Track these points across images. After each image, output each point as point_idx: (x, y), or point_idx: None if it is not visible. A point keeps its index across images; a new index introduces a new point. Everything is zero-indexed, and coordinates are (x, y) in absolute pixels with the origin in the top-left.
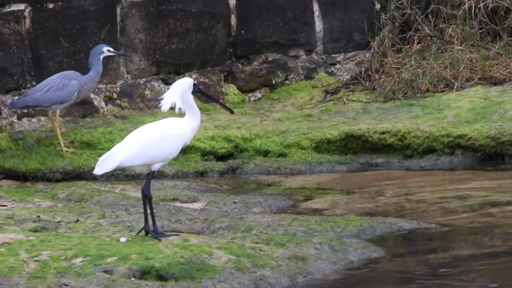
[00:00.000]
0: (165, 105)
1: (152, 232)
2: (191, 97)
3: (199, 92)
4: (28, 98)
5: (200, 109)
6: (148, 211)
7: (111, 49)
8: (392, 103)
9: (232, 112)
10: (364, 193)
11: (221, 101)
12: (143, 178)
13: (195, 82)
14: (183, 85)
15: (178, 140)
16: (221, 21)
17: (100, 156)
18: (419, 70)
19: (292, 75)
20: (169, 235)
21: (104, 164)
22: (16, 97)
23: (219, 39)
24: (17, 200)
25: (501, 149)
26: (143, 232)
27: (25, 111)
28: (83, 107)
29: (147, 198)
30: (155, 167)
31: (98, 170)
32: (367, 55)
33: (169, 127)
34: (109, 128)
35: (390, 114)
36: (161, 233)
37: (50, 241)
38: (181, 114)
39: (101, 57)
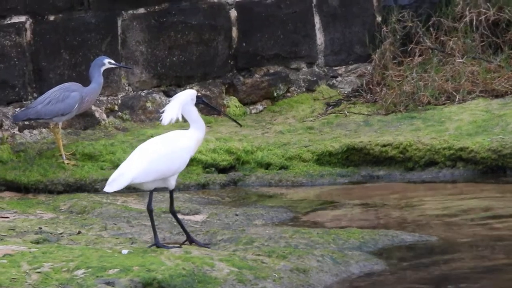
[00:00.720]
0: (165, 118)
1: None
2: (194, 109)
3: (202, 104)
4: (30, 110)
5: None
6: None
7: (112, 61)
8: (394, 115)
9: (240, 125)
10: (366, 205)
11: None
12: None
13: (198, 94)
14: (185, 97)
15: (185, 153)
16: (222, 33)
17: (101, 168)
18: (420, 82)
19: (294, 88)
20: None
21: (115, 183)
22: (17, 109)
23: (220, 52)
24: (19, 212)
25: (503, 162)
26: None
27: (26, 123)
28: (84, 119)
29: (172, 214)
30: (172, 184)
31: (109, 188)
32: (369, 68)
33: (174, 140)
34: (111, 140)
35: (392, 126)
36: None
37: (52, 252)
38: (184, 126)
39: (102, 69)
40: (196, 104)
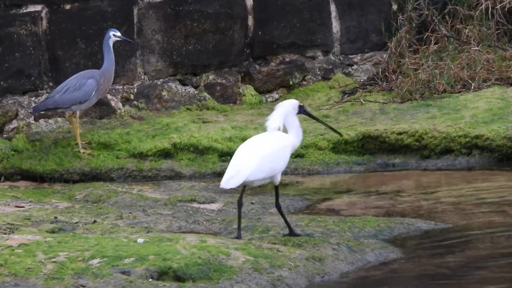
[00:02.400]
0: (270, 126)
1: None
2: (295, 118)
3: (304, 114)
4: (48, 101)
5: (217, 110)
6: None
7: (117, 33)
8: (409, 103)
9: (341, 135)
10: (382, 193)
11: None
12: (160, 179)
13: (300, 103)
14: (288, 107)
15: (289, 153)
16: (238, 22)
17: (117, 157)
18: (436, 70)
19: (309, 76)
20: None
21: (232, 180)
22: (33, 98)
23: (236, 40)
24: (34, 201)
25: None
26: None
27: (42, 112)
28: (100, 108)
29: (278, 208)
30: (278, 179)
31: (226, 185)
32: (384, 56)
33: (280, 140)
34: (126, 129)
35: (407, 114)
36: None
37: (67, 242)
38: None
39: (111, 43)
40: (298, 113)
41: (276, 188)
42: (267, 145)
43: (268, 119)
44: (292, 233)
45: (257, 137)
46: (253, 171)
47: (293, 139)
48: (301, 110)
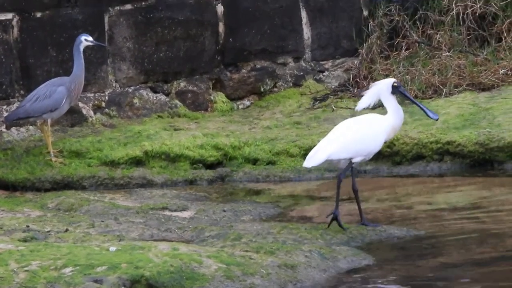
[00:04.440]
0: (361, 103)
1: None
2: (391, 97)
3: (399, 93)
4: (20, 110)
5: (188, 117)
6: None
7: (89, 38)
8: (381, 109)
9: (436, 119)
10: (354, 200)
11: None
12: (132, 187)
13: (394, 83)
14: (382, 86)
15: (381, 135)
16: (209, 28)
17: (89, 165)
18: (407, 76)
19: (281, 83)
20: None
21: (314, 158)
22: (4, 107)
23: (207, 47)
24: (6, 210)
25: (490, 155)
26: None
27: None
28: (71, 116)
29: (354, 191)
30: (357, 161)
31: (308, 163)
32: (356, 62)
33: (372, 122)
34: (98, 137)
35: None
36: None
37: (39, 251)
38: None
39: (81, 48)
40: (394, 93)
41: (352, 168)
42: (358, 127)
43: (362, 95)
44: (363, 222)
45: (352, 119)
46: (336, 150)
47: (390, 120)
48: (396, 90)
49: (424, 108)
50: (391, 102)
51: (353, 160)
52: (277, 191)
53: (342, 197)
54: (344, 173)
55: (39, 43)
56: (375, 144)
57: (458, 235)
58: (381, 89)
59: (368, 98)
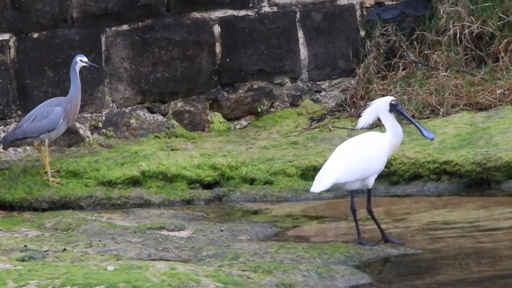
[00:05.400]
0: (360, 122)
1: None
2: (389, 115)
3: (396, 112)
4: (17, 130)
5: (186, 138)
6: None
7: (84, 59)
8: (378, 129)
9: (431, 138)
10: (350, 220)
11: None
12: (129, 207)
13: (392, 102)
14: (379, 103)
15: (383, 155)
16: (206, 49)
17: (86, 185)
18: (404, 96)
19: (278, 103)
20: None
21: (322, 183)
22: (1, 127)
23: (204, 67)
24: (4, 230)
25: (487, 175)
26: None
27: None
28: (68, 136)
29: (369, 212)
30: (370, 182)
31: (316, 188)
32: (352, 82)
33: (373, 142)
34: (95, 157)
35: None
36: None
37: (37, 270)
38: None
39: (77, 69)
40: (391, 111)
41: (369, 191)
42: (361, 149)
43: (362, 114)
44: (384, 238)
45: (353, 139)
46: (343, 174)
47: (389, 138)
48: (393, 108)
49: (420, 127)
50: (389, 120)
51: (368, 185)
52: (274, 211)
53: (338, 216)
54: (353, 201)
55: (36, 64)
56: (378, 163)
57: (455, 254)
58: (379, 107)
59: (366, 116)
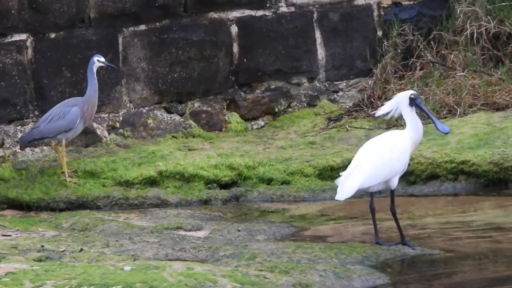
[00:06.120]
0: (380, 111)
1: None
2: (409, 110)
3: (416, 107)
4: (34, 131)
5: (203, 138)
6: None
7: (101, 59)
8: (395, 129)
9: (446, 132)
10: (368, 219)
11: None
12: (146, 207)
13: (412, 95)
14: (400, 98)
15: (405, 155)
16: (223, 49)
17: (103, 185)
18: (422, 96)
19: (295, 103)
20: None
21: (345, 189)
22: (19, 127)
23: (221, 68)
24: (21, 230)
25: (505, 175)
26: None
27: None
28: (86, 137)
29: (392, 213)
30: (394, 184)
31: (340, 196)
32: (370, 82)
33: (394, 143)
34: (112, 157)
35: None
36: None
37: (54, 270)
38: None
39: (95, 69)
40: (411, 105)
41: (392, 192)
42: (382, 152)
43: (383, 105)
44: (403, 241)
45: (373, 141)
46: (366, 179)
47: (410, 134)
48: (412, 102)
49: (435, 120)
50: (409, 115)
51: (391, 187)
52: (291, 211)
53: (355, 216)
54: (373, 201)
55: (53, 64)
56: (400, 164)
57: (472, 254)
58: (400, 101)
59: (388, 107)
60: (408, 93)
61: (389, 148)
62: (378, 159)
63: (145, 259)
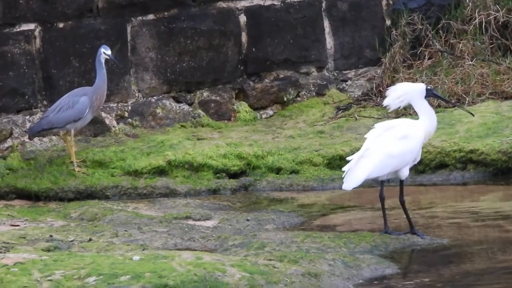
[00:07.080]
0: (386, 100)
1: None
2: (423, 102)
3: (433, 96)
4: (43, 121)
5: (212, 127)
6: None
7: (107, 51)
8: (404, 118)
9: (473, 115)
10: (377, 209)
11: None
12: (155, 196)
13: (428, 87)
14: (414, 90)
15: (416, 145)
16: (232, 39)
17: (112, 175)
18: (430, 85)
19: (304, 92)
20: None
21: (353, 179)
22: (27, 117)
23: (230, 57)
24: (30, 220)
25: None
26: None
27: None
28: (94, 126)
29: (401, 203)
30: (404, 174)
31: (347, 186)
32: (378, 71)
33: (405, 133)
34: (121, 147)
35: None
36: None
37: (63, 260)
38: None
39: (102, 60)
40: (428, 97)
41: (401, 182)
42: (392, 142)
43: (390, 90)
44: (412, 231)
45: (385, 126)
46: (374, 169)
47: (425, 125)
48: (429, 93)
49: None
50: (424, 107)
51: (401, 177)
52: (300, 200)
53: (364, 205)
54: (382, 190)
55: (61, 54)
56: (412, 155)
57: (481, 243)
58: (412, 95)
59: (397, 100)
60: (422, 86)
61: (402, 137)
62: (389, 148)
63: (154, 248)
